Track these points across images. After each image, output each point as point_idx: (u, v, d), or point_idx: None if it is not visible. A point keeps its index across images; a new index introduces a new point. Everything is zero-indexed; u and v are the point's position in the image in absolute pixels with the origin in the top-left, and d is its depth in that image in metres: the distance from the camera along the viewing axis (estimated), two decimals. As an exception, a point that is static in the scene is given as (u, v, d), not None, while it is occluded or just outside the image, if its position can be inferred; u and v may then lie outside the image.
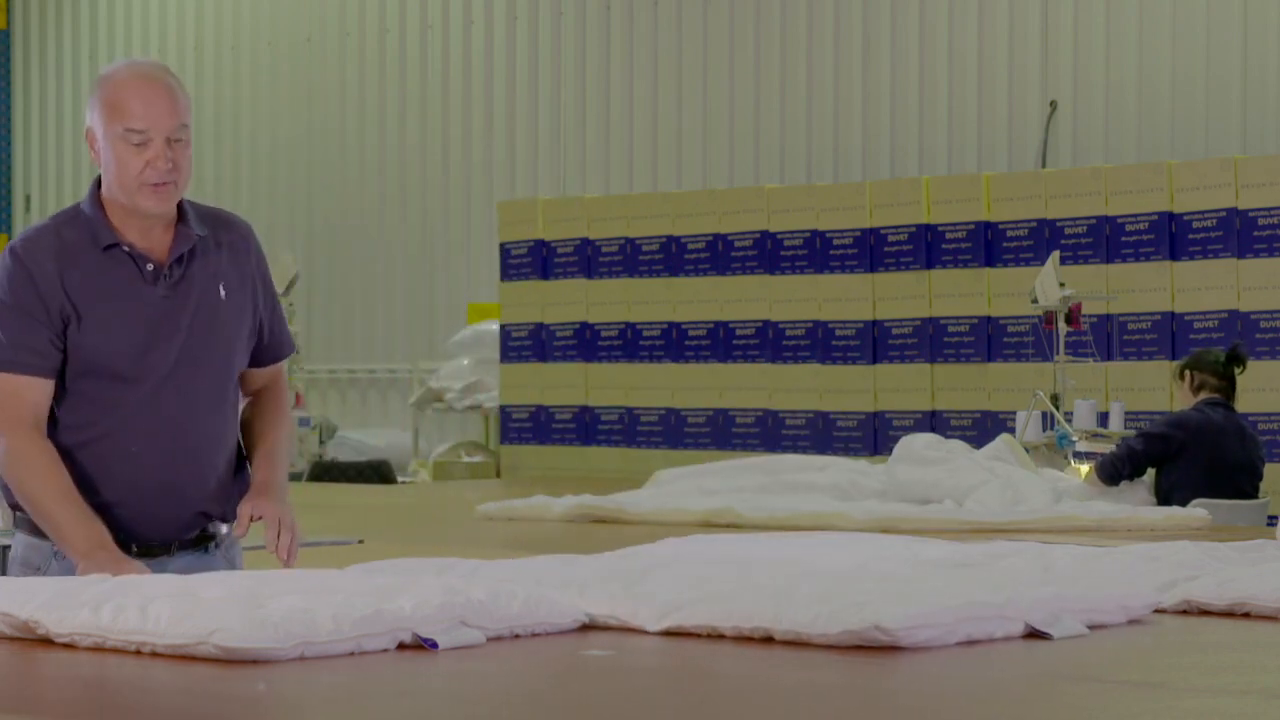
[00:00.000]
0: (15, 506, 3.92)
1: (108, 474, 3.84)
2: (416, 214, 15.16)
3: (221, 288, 3.91)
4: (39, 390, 3.83)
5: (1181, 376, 8.53)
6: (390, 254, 15.28)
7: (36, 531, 3.88)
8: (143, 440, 3.84)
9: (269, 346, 4.04)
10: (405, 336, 15.23)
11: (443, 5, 15.08)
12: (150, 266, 3.86)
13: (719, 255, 11.44)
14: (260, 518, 3.81)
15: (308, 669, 2.98)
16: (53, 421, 3.86)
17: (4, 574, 4.04)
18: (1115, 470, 8.25)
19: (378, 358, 15.41)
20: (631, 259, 11.76)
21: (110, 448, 3.84)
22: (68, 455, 3.82)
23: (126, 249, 3.85)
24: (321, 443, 13.24)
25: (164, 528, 3.88)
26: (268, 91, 16.07)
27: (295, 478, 11.95)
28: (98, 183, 3.91)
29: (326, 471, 12.57)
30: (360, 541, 6.47)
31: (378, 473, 12.57)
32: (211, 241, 3.92)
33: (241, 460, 4.00)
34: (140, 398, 3.84)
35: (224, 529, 3.94)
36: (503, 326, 12.44)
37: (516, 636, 3.28)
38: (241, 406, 4.06)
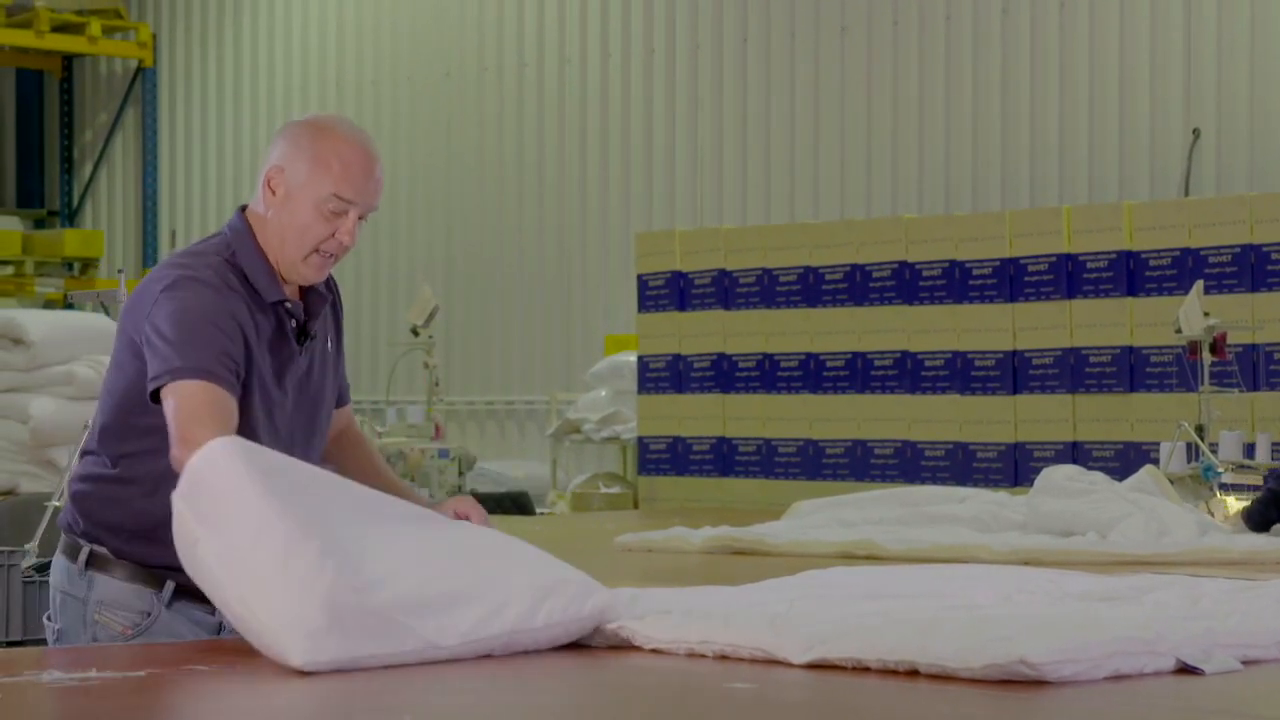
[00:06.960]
0: (117, 553, 3.62)
1: None
2: (554, 246, 15.23)
3: (330, 341, 3.75)
4: (234, 408, 3.44)
5: None
6: (528, 286, 15.36)
7: (134, 575, 3.62)
8: None
9: (342, 387, 3.87)
10: (543, 368, 15.29)
11: (580, 40, 15.16)
12: (294, 324, 3.65)
13: (857, 286, 11.38)
14: (466, 516, 3.95)
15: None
16: (146, 468, 3.56)
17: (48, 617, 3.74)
18: (1264, 517, 8.07)
19: (516, 389, 15.49)
20: (769, 290, 11.73)
21: None
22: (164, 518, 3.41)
23: (289, 306, 3.63)
24: (460, 474, 13.30)
25: None
26: (407, 126, 16.23)
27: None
28: (242, 211, 3.63)
29: (466, 503, 12.60)
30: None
31: (516, 504, 12.61)
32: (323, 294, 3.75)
33: None
34: None
35: None
36: (640, 358, 12.45)
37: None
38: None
